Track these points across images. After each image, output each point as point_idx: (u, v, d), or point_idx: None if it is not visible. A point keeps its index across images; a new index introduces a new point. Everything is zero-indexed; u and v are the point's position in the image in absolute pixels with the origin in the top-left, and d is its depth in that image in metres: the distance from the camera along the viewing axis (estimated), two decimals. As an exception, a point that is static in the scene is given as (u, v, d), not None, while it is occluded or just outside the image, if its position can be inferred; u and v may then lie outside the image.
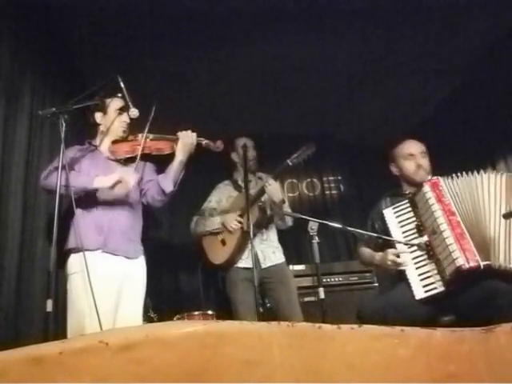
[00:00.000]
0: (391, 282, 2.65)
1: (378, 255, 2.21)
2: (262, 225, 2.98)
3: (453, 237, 1.96)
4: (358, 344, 1.15)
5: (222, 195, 3.16)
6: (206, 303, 3.24)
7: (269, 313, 2.94)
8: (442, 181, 2.12)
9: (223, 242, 2.97)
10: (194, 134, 2.35)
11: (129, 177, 2.17)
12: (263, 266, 2.90)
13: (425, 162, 2.33)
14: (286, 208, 3.01)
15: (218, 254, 2.98)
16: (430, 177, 2.29)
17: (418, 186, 2.22)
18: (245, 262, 2.90)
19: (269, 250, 2.98)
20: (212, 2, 2.87)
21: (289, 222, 3.02)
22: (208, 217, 3.10)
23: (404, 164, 2.36)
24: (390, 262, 2.10)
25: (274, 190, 2.80)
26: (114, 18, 2.91)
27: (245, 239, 2.88)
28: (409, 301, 2.00)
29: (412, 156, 2.34)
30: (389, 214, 2.22)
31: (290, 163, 2.72)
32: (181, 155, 2.31)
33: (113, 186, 2.14)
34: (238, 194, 3.08)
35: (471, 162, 3.55)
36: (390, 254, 2.10)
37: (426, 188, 2.11)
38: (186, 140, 2.32)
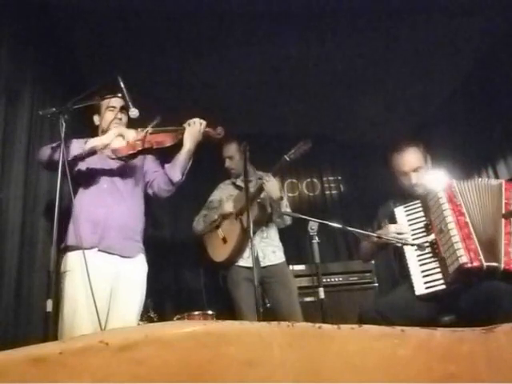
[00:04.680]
0: (392, 282, 2.66)
1: (378, 233, 2.22)
2: (262, 222, 2.99)
3: (459, 236, 1.97)
4: (358, 344, 1.14)
5: (223, 194, 3.18)
6: (208, 303, 3.24)
7: (270, 312, 2.95)
8: (455, 183, 2.13)
9: (224, 240, 2.98)
10: (203, 122, 2.32)
11: (127, 132, 2.15)
12: (262, 265, 2.91)
13: (419, 178, 2.28)
14: (285, 205, 3.02)
15: (219, 252, 2.99)
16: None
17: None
18: (246, 261, 2.91)
19: (269, 249, 2.99)
20: (212, 2, 2.87)
21: (287, 220, 3.04)
22: (208, 215, 3.12)
23: (400, 179, 2.35)
24: (391, 235, 2.13)
25: (272, 186, 2.81)
26: (114, 18, 2.92)
27: (245, 236, 2.88)
28: (409, 302, 2.01)
29: (405, 173, 2.31)
30: (400, 212, 2.23)
31: (288, 158, 2.74)
32: (188, 144, 2.28)
33: (112, 140, 2.15)
34: (238, 192, 3.10)
35: (471, 163, 3.59)
36: (392, 227, 2.14)
37: (439, 188, 2.13)
38: (193, 128, 2.30)
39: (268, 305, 3.04)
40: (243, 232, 2.88)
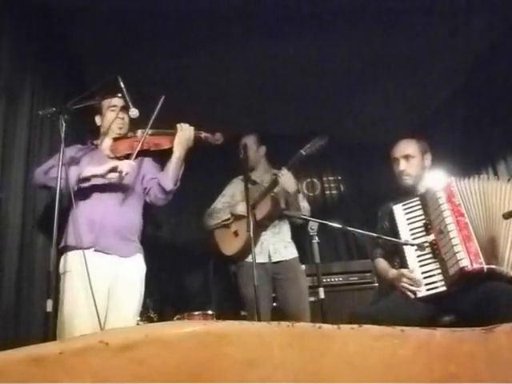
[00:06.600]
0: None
1: (392, 273, 2.18)
2: (275, 217, 2.96)
3: (459, 238, 1.94)
4: (358, 344, 1.14)
5: (236, 189, 3.17)
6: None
7: (279, 311, 2.96)
8: (455, 182, 2.10)
9: (236, 234, 2.97)
10: (191, 128, 2.32)
11: (124, 165, 2.15)
12: (273, 260, 2.91)
13: (408, 167, 2.29)
14: (301, 199, 2.99)
15: (230, 246, 2.98)
16: (421, 179, 2.29)
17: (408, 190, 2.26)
18: (258, 256, 2.90)
19: (280, 245, 2.98)
20: (212, 2, 2.87)
21: (306, 213, 2.95)
22: (220, 210, 3.11)
23: (394, 167, 2.35)
24: (402, 286, 2.06)
25: (288, 179, 2.79)
26: (114, 18, 2.91)
27: (257, 230, 2.88)
28: (408, 303, 2.00)
29: (396, 160, 2.32)
30: (398, 210, 2.21)
31: (304, 153, 2.72)
32: (178, 151, 2.29)
33: (106, 174, 2.15)
34: (251, 187, 3.09)
35: (471, 163, 3.58)
36: (404, 276, 2.05)
37: (438, 187, 2.10)
38: (183, 135, 2.30)
39: (274, 304, 3.03)
40: (255, 225, 2.88)
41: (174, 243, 4.05)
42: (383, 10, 2.99)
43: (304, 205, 3.00)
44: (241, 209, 2.95)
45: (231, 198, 3.14)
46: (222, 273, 3.40)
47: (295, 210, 2.92)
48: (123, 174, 2.15)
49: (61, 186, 1.96)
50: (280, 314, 2.88)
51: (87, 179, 2.17)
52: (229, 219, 3.04)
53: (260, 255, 2.88)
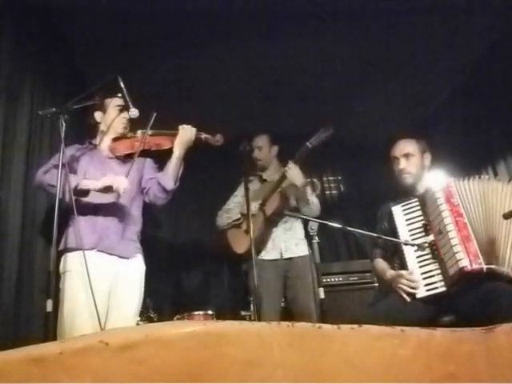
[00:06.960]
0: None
1: (390, 274, 2.17)
2: (283, 212, 2.97)
3: (458, 238, 1.94)
4: (358, 344, 1.14)
5: None
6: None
7: (287, 309, 2.97)
8: (453, 182, 2.09)
9: (246, 232, 2.98)
10: (193, 129, 2.33)
11: (120, 183, 2.12)
12: (284, 257, 2.91)
13: (408, 165, 2.29)
14: (310, 193, 2.98)
15: (241, 243, 2.99)
16: (422, 178, 2.29)
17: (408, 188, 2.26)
18: (270, 253, 2.91)
19: (292, 242, 2.99)
20: (212, 2, 2.87)
21: (315, 208, 2.95)
22: (231, 210, 3.14)
23: (393, 167, 2.35)
24: (399, 287, 2.05)
25: (295, 173, 2.81)
26: (114, 18, 2.91)
27: (267, 226, 2.90)
28: (408, 304, 1.99)
29: (396, 159, 2.33)
30: (397, 211, 2.21)
31: (310, 145, 2.74)
32: (178, 150, 2.30)
33: (102, 190, 2.13)
34: (261, 185, 3.10)
35: (471, 163, 3.58)
36: (402, 278, 2.04)
37: (437, 187, 2.10)
38: (184, 135, 2.31)
39: (283, 304, 3.03)
40: (265, 222, 2.88)
41: (173, 243, 4.05)
42: (383, 10, 2.99)
43: (313, 199, 2.98)
44: (251, 208, 2.96)
45: (242, 198, 3.16)
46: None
47: (305, 205, 2.92)
48: (120, 191, 2.12)
49: (60, 187, 1.95)
50: (289, 313, 2.89)
51: (84, 192, 2.15)
52: (239, 219, 3.06)
53: (272, 252, 2.91)
